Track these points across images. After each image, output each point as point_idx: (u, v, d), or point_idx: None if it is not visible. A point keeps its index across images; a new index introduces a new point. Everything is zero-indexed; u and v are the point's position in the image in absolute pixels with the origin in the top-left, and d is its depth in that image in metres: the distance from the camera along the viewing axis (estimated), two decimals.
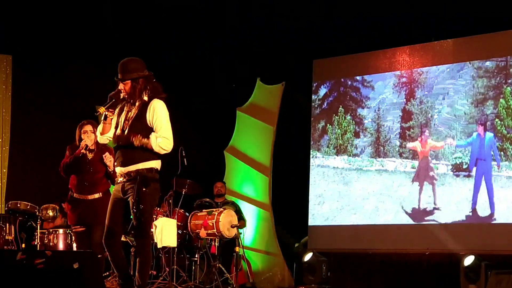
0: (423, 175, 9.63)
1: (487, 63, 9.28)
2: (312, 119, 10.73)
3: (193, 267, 9.07)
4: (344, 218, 10.20)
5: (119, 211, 5.79)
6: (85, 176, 7.19)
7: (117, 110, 5.84)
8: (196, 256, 9.04)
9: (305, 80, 10.79)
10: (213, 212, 8.70)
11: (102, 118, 5.80)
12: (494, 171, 9.04)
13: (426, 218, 9.49)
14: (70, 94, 10.54)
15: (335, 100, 10.59)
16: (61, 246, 7.83)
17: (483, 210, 9.08)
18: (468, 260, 8.72)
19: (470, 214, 9.16)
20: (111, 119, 5.81)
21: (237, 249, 9.20)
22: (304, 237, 10.54)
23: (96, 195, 7.20)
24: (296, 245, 10.57)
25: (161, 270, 8.69)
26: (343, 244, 10.13)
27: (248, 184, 11.24)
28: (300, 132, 10.87)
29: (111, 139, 5.92)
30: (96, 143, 7.00)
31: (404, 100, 9.94)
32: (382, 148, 10.07)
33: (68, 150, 7.32)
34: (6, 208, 8.36)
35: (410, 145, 9.78)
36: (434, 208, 9.44)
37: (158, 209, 8.65)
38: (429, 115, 9.69)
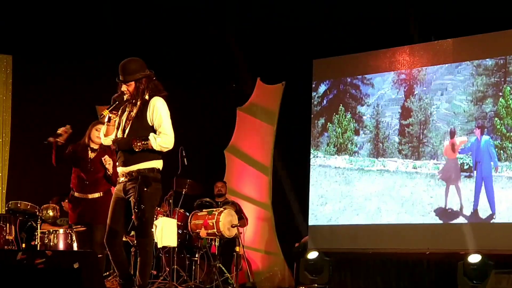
0: (452, 176, 9.45)
1: (486, 60, 9.28)
2: (312, 116, 10.72)
3: (194, 267, 9.07)
4: (347, 219, 10.18)
5: (121, 210, 5.78)
6: (86, 175, 7.21)
7: (119, 111, 5.84)
8: (197, 256, 9.04)
9: (305, 80, 10.79)
10: (213, 212, 8.70)
11: (106, 120, 5.79)
12: (493, 172, 9.04)
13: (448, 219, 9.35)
14: (70, 94, 10.54)
15: (335, 98, 10.58)
16: (61, 246, 7.83)
17: (484, 211, 9.08)
18: (475, 258, 8.61)
19: (472, 214, 9.16)
20: (115, 121, 5.81)
21: (237, 248, 9.20)
22: (304, 237, 10.54)
23: (97, 194, 7.21)
24: (296, 245, 10.56)
25: (161, 270, 8.69)
26: (343, 244, 10.12)
27: (248, 184, 11.23)
28: (300, 132, 10.86)
29: None
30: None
31: (403, 96, 9.94)
32: (381, 144, 10.06)
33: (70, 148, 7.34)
34: (6, 208, 8.37)
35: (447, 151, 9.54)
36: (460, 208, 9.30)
37: (159, 209, 8.65)
38: (428, 112, 9.68)
